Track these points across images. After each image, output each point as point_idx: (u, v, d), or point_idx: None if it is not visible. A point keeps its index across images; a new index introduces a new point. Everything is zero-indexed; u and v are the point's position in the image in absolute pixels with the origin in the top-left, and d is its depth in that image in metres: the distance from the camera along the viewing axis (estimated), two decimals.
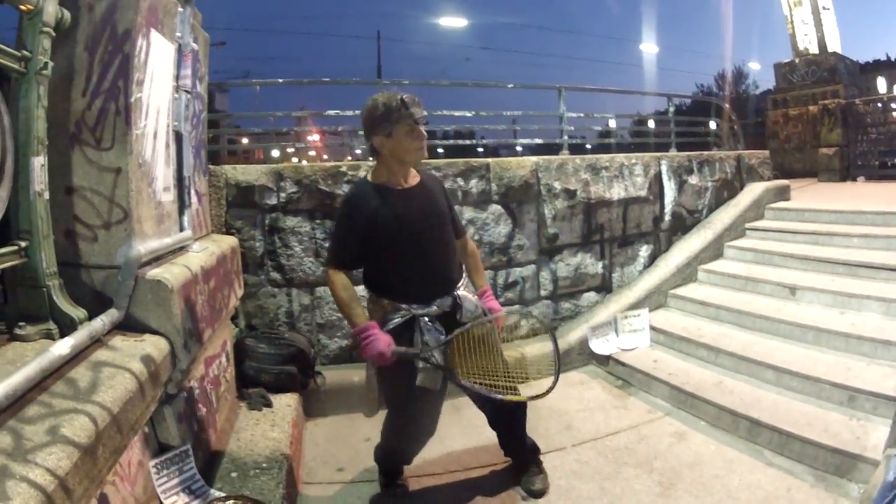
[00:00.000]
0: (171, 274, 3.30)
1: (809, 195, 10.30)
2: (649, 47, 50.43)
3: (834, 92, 15.39)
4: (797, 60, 16.65)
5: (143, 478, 3.02)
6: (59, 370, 2.52)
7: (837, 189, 11.83)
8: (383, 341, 3.48)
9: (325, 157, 25.20)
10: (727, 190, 9.05)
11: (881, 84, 27.20)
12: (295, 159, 24.29)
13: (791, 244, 7.55)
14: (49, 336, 2.72)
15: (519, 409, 4.15)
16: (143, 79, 3.30)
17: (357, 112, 7.41)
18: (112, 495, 2.55)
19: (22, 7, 2.59)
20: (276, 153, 22.35)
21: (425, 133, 3.67)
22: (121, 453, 2.63)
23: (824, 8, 16.40)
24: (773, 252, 7.47)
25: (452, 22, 37.97)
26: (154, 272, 3.25)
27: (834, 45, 16.33)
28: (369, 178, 3.77)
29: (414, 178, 3.79)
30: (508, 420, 4.19)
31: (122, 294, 3.12)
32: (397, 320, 3.64)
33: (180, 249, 3.90)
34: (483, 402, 3.98)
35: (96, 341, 2.87)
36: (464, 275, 4.01)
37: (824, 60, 16.07)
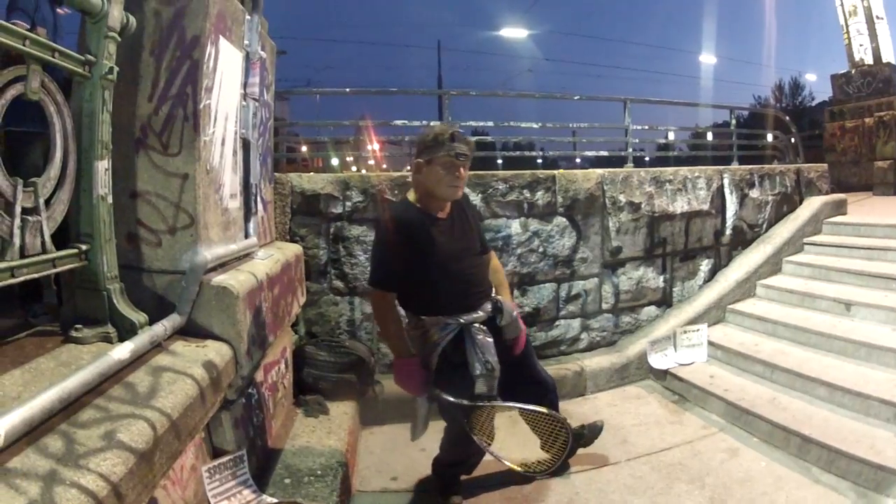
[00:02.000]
0: (236, 281, 3.25)
1: (865, 209, 9.96)
2: (708, 58, 49.69)
3: (889, 104, 14.87)
4: (853, 71, 16.12)
5: (195, 482, 2.96)
6: (117, 374, 2.46)
7: (892, 203, 11.42)
8: (421, 377, 3.70)
9: (385, 166, 25.06)
10: (787, 204, 8.78)
11: None
12: (354, 168, 24.32)
13: (847, 259, 7.32)
14: (107, 339, 2.69)
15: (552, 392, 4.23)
16: (211, 86, 3.26)
17: (424, 122, 7.44)
18: (162, 499, 2.49)
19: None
20: (335, 162, 22.46)
21: (464, 173, 3.69)
22: (177, 458, 2.57)
23: (878, 17, 15.89)
24: (830, 267, 7.23)
25: (514, 33, 37.69)
26: (219, 278, 3.20)
27: (888, 56, 15.80)
28: (410, 198, 3.82)
29: (449, 205, 3.83)
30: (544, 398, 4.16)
31: (185, 299, 3.07)
32: (449, 336, 3.68)
33: (245, 256, 3.86)
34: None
35: (156, 346, 2.82)
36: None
37: (879, 71, 15.53)
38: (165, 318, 2.94)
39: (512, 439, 3.99)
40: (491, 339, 3.70)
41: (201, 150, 3.13)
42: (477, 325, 3.70)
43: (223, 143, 3.47)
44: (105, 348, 2.55)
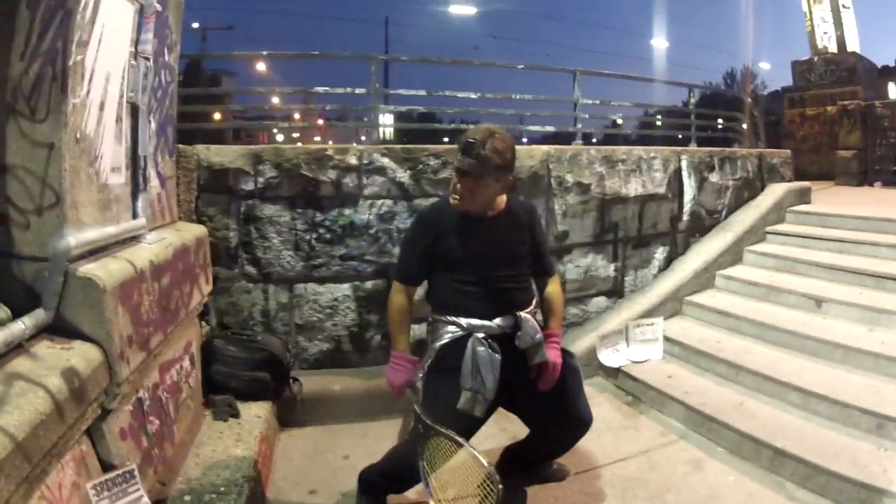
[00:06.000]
0: (105, 271, 2.95)
1: (829, 199, 10.00)
2: (659, 42, 50.32)
3: (853, 93, 15.34)
4: (815, 59, 16.69)
5: (80, 500, 2.72)
6: None
7: (857, 193, 11.65)
8: (404, 376, 3.72)
9: (331, 142, 24.82)
10: (748, 190, 8.77)
11: (892, 90, 27.07)
12: (300, 144, 23.98)
13: (815, 251, 7.27)
14: None
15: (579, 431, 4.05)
16: (86, 39, 2.95)
17: (347, 90, 7.29)
18: None
19: None
20: (280, 138, 22.14)
21: (469, 189, 3.57)
22: (37, 483, 2.33)
23: (844, 6, 16.48)
24: (797, 259, 7.16)
25: (462, 10, 37.95)
26: (86, 268, 2.90)
27: (853, 45, 16.36)
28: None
29: (497, 207, 3.77)
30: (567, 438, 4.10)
31: (50, 292, 2.80)
32: (449, 336, 3.67)
33: (132, 239, 3.57)
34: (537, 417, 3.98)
35: (16, 347, 2.56)
36: (533, 308, 3.89)
37: (843, 60, 16.12)
38: (28, 314, 2.68)
39: (454, 483, 3.69)
40: (498, 357, 3.58)
41: (69, 115, 2.83)
42: (482, 335, 3.60)
43: (102, 108, 3.16)
44: None
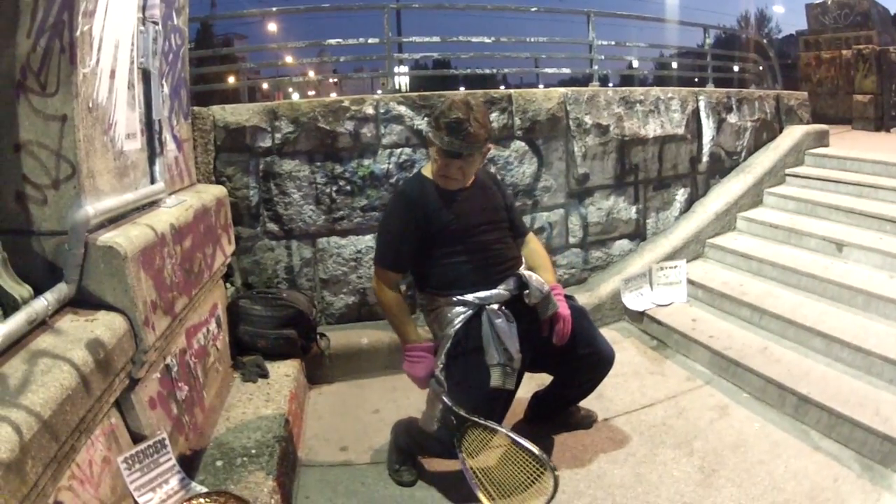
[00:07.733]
0: (126, 237, 2.89)
1: (847, 143, 9.70)
2: None
3: (867, 37, 14.99)
4: (829, 2, 16.30)
5: (111, 476, 2.69)
6: None
7: (874, 139, 11.27)
8: (425, 367, 3.55)
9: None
10: (766, 131, 8.54)
11: None
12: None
13: (834, 194, 7.09)
14: None
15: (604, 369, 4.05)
16: (92, 9, 2.85)
17: (360, 40, 7.20)
18: (69, 502, 2.23)
19: None
20: (296, 96, 22.00)
21: (456, 169, 3.55)
22: (66, 461, 2.28)
23: None
24: (817, 202, 6.99)
25: None
26: (107, 236, 2.84)
27: None
28: (425, 171, 3.74)
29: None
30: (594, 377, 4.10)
31: (71, 264, 2.74)
32: (460, 319, 3.56)
33: (152, 205, 3.51)
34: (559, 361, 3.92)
35: (40, 324, 2.51)
36: (526, 265, 3.87)
37: (857, 4, 15.74)
38: (50, 289, 2.62)
39: (500, 471, 3.43)
40: (514, 325, 3.50)
41: (80, 86, 2.75)
42: (496, 306, 3.52)
43: (113, 76, 3.08)
44: None
